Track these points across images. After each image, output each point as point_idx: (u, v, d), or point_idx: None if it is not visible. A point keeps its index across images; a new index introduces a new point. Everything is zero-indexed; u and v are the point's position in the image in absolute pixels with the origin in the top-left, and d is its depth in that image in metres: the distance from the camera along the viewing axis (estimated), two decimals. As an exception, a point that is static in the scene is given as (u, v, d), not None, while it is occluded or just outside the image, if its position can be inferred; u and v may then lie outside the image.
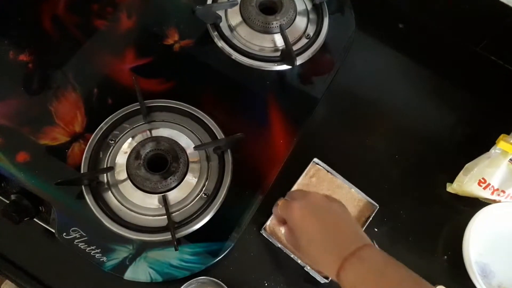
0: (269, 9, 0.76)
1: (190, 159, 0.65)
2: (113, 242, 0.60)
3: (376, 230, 0.69)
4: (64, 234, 0.60)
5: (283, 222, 0.54)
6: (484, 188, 0.68)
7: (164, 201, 0.62)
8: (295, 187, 0.69)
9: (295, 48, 0.74)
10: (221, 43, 0.74)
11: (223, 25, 0.76)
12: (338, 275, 0.45)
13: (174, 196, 0.63)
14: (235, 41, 0.75)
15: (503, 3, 0.76)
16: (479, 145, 0.69)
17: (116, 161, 0.65)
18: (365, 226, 0.68)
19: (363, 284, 0.44)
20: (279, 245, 0.66)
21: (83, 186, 0.62)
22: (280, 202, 0.55)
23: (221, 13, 0.75)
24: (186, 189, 0.63)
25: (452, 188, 0.72)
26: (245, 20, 0.75)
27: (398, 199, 0.72)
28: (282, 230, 0.60)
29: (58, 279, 0.62)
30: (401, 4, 0.87)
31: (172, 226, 0.60)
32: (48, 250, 0.64)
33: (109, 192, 0.63)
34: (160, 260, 0.60)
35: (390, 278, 0.44)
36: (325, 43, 0.76)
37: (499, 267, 0.68)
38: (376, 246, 0.47)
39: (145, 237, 0.60)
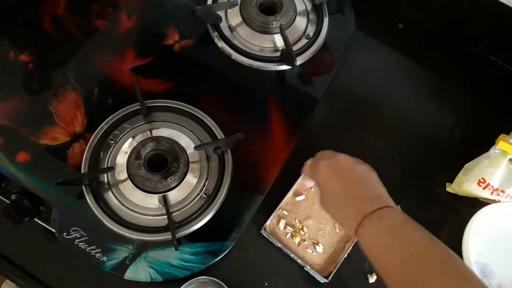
0: (269, 10, 0.76)
1: (190, 159, 0.65)
2: (113, 242, 0.60)
3: (376, 230, 0.69)
4: (65, 234, 0.60)
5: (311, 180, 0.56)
6: (484, 188, 0.68)
7: (164, 201, 0.62)
8: (294, 187, 0.69)
9: (295, 48, 0.74)
10: (221, 43, 0.74)
11: (223, 25, 0.76)
12: (357, 231, 0.47)
13: (174, 196, 0.63)
14: (235, 41, 0.75)
15: (503, 3, 0.76)
16: (479, 145, 0.69)
17: (116, 161, 0.65)
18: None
19: (379, 241, 0.45)
20: (279, 245, 0.66)
21: (83, 186, 0.62)
22: (309, 161, 0.57)
23: (221, 13, 0.75)
24: (186, 189, 0.64)
25: (451, 188, 0.72)
26: (245, 20, 0.75)
27: (397, 199, 0.70)
28: (310, 185, 0.63)
29: (59, 279, 0.63)
30: (401, 4, 0.87)
31: (172, 226, 0.60)
32: (49, 250, 0.64)
33: (110, 192, 0.63)
34: (160, 260, 0.60)
35: (406, 236, 0.45)
36: (325, 43, 0.76)
37: (498, 267, 0.68)
38: (399, 209, 0.47)
39: (145, 237, 0.60)
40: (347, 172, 0.51)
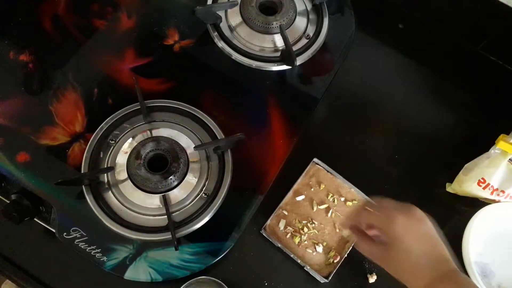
0: (269, 10, 0.76)
1: (190, 159, 0.65)
2: (113, 242, 0.60)
3: (376, 230, 0.69)
4: (65, 234, 0.60)
5: (370, 227, 0.55)
6: (484, 188, 0.68)
7: (164, 201, 0.62)
8: (295, 187, 0.69)
9: (295, 48, 0.74)
10: (221, 44, 0.74)
11: (223, 25, 0.76)
12: None
13: (174, 196, 0.63)
14: (235, 42, 0.75)
15: (503, 3, 0.76)
16: (479, 145, 0.69)
17: (116, 161, 0.65)
18: (365, 226, 0.68)
19: None
20: (279, 245, 0.66)
21: (83, 186, 0.62)
22: (374, 216, 0.54)
23: (221, 13, 0.75)
24: (186, 189, 0.64)
25: (451, 188, 0.72)
26: (245, 20, 0.75)
27: (397, 199, 0.71)
28: (371, 233, 0.57)
29: (58, 278, 0.63)
30: (401, 4, 0.87)
31: (172, 226, 0.60)
32: (49, 250, 0.64)
33: (110, 192, 0.63)
34: (160, 260, 0.60)
35: None
36: (325, 44, 0.76)
37: (498, 267, 0.68)
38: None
39: (145, 237, 0.60)
40: (422, 227, 0.51)
